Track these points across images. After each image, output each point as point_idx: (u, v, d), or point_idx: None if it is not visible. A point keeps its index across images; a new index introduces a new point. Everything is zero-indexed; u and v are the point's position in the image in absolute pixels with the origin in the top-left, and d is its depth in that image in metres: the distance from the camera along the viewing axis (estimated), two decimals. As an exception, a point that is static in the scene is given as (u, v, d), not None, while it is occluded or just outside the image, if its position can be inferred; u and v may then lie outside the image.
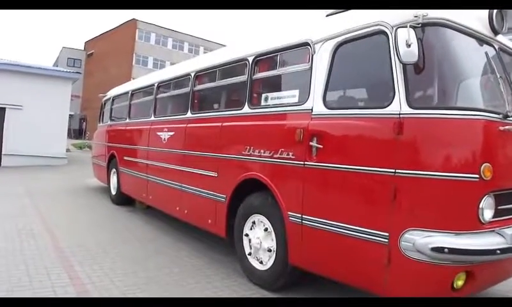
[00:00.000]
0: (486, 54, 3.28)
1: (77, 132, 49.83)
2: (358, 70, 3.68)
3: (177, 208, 5.80)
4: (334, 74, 3.52)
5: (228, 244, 4.92)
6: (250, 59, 4.54)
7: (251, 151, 4.21)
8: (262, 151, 4.06)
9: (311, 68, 3.70)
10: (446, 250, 2.73)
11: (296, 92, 3.96)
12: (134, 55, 52.04)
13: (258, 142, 4.15)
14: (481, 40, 3.29)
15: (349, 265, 3.25)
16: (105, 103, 10.30)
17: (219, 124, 4.92)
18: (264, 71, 4.46)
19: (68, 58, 56.68)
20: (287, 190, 3.77)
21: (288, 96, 4.06)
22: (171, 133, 6.06)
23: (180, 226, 6.67)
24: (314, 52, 3.69)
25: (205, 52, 57.77)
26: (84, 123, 51.23)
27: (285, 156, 3.76)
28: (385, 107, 3.04)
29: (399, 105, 2.94)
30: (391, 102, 3.00)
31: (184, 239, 6.06)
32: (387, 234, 2.94)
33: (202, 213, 5.17)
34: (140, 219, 7.38)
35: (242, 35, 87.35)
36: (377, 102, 3.28)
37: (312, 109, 3.61)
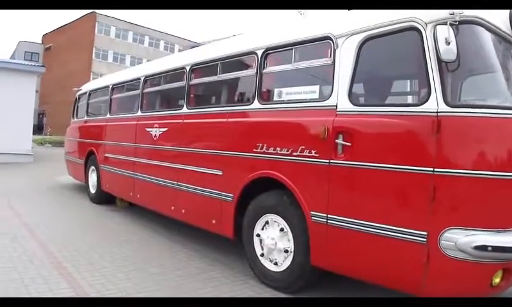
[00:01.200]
0: (511, 53, 3.26)
1: (36, 128, 47.74)
2: (386, 66, 3.59)
3: (172, 208, 5.52)
4: (359, 70, 3.39)
5: (235, 244, 4.75)
6: (259, 53, 4.31)
7: (264, 149, 4.00)
8: (278, 148, 3.85)
9: (333, 63, 3.53)
10: (489, 248, 2.71)
11: (316, 88, 3.81)
12: (93, 49, 50.35)
13: (272, 139, 3.95)
14: (506, 40, 3.25)
15: (382, 265, 3.14)
16: (79, 98, 9.76)
17: (224, 120, 4.67)
18: (276, 65, 4.25)
19: (25, 52, 53.99)
20: (308, 189, 3.60)
21: (307, 91, 3.87)
22: (164, 129, 5.76)
23: (169, 224, 6.38)
24: (337, 47, 3.52)
25: (165, 46, 56.79)
26: (44, 119, 49.15)
27: (307, 154, 3.59)
28: (421, 105, 2.95)
29: (435, 103, 2.87)
30: (427, 100, 2.92)
31: (179, 239, 5.77)
32: (425, 233, 2.86)
33: (204, 213, 4.92)
34: (126, 219, 7.00)
35: (211, 32, 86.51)
36: (410, 99, 3.25)
37: (336, 106, 3.45)
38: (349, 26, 3.49)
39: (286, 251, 3.83)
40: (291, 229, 3.78)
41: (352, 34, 3.42)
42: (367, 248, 3.19)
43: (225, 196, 4.51)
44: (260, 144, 4.03)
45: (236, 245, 4.80)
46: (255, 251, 4.17)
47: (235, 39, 5.13)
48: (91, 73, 48.58)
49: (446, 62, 2.83)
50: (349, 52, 3.42)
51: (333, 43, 3.55)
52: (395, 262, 3.05)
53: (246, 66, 4.52)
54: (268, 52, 4.26)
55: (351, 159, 3.27)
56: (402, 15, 3.12)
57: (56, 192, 9.66)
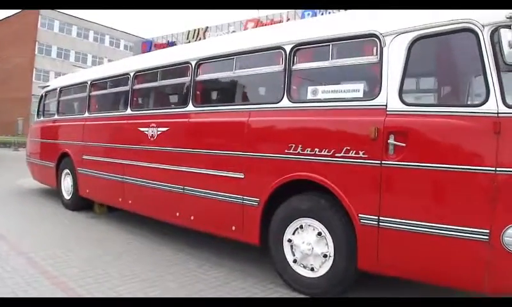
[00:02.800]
0: None
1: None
2: (438, 66, 3.53)
3: (177, 214, 5.05)
4: (410, 69, 3.29)
5: (245, 250, 4.60)
6: (287, 48, 4.00)
7: (299, 150, 3.76)
8: (316, 149, 3.63)
9: (380, 61, 3.38)
10: None
11: (359, 86, 3.66)
12: (36, 43, 47.63)
13: (308, 140, 3.71)
14: None
15: (442, 265, 3.08)
16: (46, 95, 8.91)
17: (245, 119, 4.30)
18: (308, 61, 3.98)
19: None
20: (356, 191, 3.44)
21: (349, 90, 3.68)
22: (163, 129, 5.26)
23: (160, 230, 5.96)
24: (384, 45, 3.37)
25: (111, 42, 54.80)
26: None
27: (353, 155, 3.41)
28: (480, 106, 2.94)
29: (495, 104, 2.87)
30: (485, 101, 2.91)
31: (180, 247, 5.31)
32: (487, 231, 2.85)
33: (220, 220, 4.54)
34: (112, 226, 6.40)
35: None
36: (467, 100, 3.23)
37: (386, 105, 3.30)
38: (397, 24, 3.36)
39: (325, 256, 3.64)
40: (330, 233, 3.61)
41: (402, 33, 3.31)
42: (425, 249, 3.12)
43: (249, 200, 4.18)
44: (293, 145, 3.79)
45: (246, 250, 4.69)
46: (285, 257, 3.91)
47: (255, 32, 4.73)
48: (34, 69, 46.03)
49: (510, 64, 2.82)
50: (399, 51, 3.30)
51: (380, 41, 3.40)
52: (456, 261, 3.01)
53: (270, 62, 4.19)
54: (298, 47, 3.98)
55: (406, 160, 3.16)
56: (457, 16, 3.06)
57: (21, 198, 8.74)
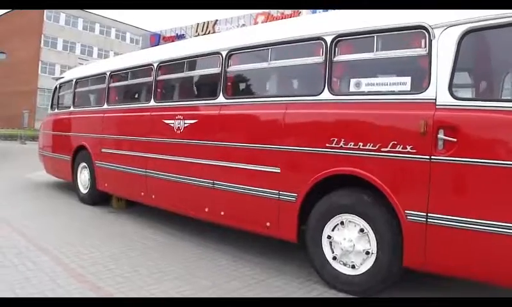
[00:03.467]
0: None
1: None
2: (490, 60, 3.44)
3: (206, 210, 4.88)
4: (460, 63, 3.19)
5: (273, 246, 4.51)
6: (328, 39, 3.85)
7: (341, 144, 3.63)
8: (360, 144, 3.51)
9: (429, 54, 3.27)
10: None
11: (407, 79, 3.50)
12: (42, 36, 47.49)
13: (352, 133, 3.59)
14: None
15: (493, 263, 3.00)
16: (60, 87, 8.73)
17: (281, 112, 4.14)
18: (350, 53, 3.86)
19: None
20: (403, 186, 3.34)
21: (395, 83, 3.55)
22: (191, 121, 5.07)
23: (185, 226, 5.79)
24: (433, 37, 3.25)
25: (117, 35, 54.59)
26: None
27: (400, 149, 3.31)
28: None
29: None
30: None
31: (206, 243, 5.15)
32: None
33: (253, 216, 4.39)
34: (132, 221, 6.24)
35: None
36: None
37: (435, 99, 3.20)
38: (447, 17, 3.25)
39: (367, 253, 3.54)
40: (373, 230, 3.51)
41: (452, 25, 3.20)
42: (475, 247, 3.04)
43: (285, 195, 4.04)
44: (336, 139, 3.66)
45: (275, 246, 4.65)
46: (324, 254, 3.80)
47: (293, 22, 4.54)
48: (40, 62, 45.94)
49: None
50: (449, 44, 3.19)
51: (429, 33, 3.28)
52: (509, 260, 2.93)
53: (309, 53, 4.04)
54: (340, 39, 3.84)
55: (457, 155, 3.08)
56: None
57: (35, 192, 8.57)
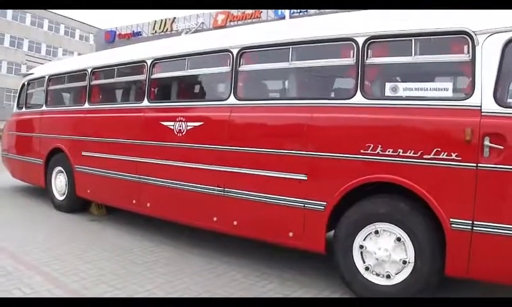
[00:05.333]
0: None
1: None
2: None
3: (214, 219, 4.47)
4: (505, 70, 3.10)
5: (283, 255, 4.22)
6: (360, 40, 3.60)
7: (378, 151, 3.42)
8: (400, 150, 3.33)
9: (473, 60, 3.15)
10: None
11: (449, 85, 3.43)
12: (-12, 32, 44.52)
13: (391, 140, 3.40)
14: None
15: None
16: (29, 84, 7.90)
17: (307, 115, 3.84)
18: (385, 56, 3.64)
19: None
20: (447, 194, 3.21)
21: (436, 88, 3.44)
22: (196, 123, 4.63)
23: (182, 236, 5.33)
24: (477, 43, 3.13)
25: (66, 31, 52.18)
26: None
27: (444, 157, 3.18)
28: None
29: None
30: None
31: (215, 255, 4.72)
32: None
33: (274, 225, 4.05)
34: (124, 232, 5.62)
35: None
36: None
37: (480, 106, 3.10)
38: (491, 23, 3.15)
39: (404, 262, 3.37)
40: (411, 238, 3.35)
41: (497, 32, 3.10)
42: None
43: (313, 204, 3.76)
44: (371, 145, 3.45)
45: (286, 256, 4.44)
46: (354, 264, 3.58)
47: (318, 21, 4.18)
48: (-14, 59, 42.93)
49: None
50: (494, 51, 3.09)
51: (473, 39, 3.16)
52: None
53: (338, 55, 3.81)
54: (373, 40, 3.60)
55: (504, 162, 3.00)
56: None
57: (3, 198, 7.73)
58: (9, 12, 46.28)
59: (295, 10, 22.38)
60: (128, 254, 4.66)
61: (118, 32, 32.85)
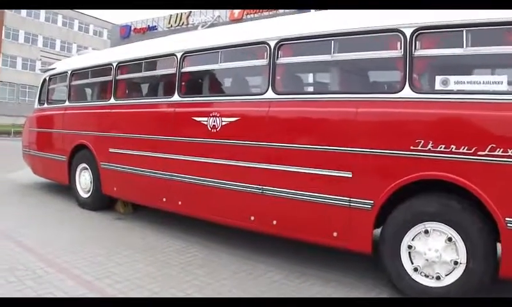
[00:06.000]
0: None
1: None
2: None
3: (251, 218, 4.34)
4: None
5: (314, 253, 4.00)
6: (407, 31, 3.48)
7: (429, 147, 3.30)
8: (453, 147, 3.21)
9: None
10: None
11: (503, 78, 3.26)
12: (3, 28, 44.99)
13: (443, 135, 3.29)
14: None
15: None
16: (50, 79, 7.84)
17: (352, 110, 3.72)
18: (434, 48, 3.51)
19: None
20: (503, 193, 3.09)
21: (489, 82, 3.29)
22: (231, 119, 4.49)
23: (212, 234, 5.21)
24: None
25: (80, 27, 52.51)
26: None
27: (500, 153, 3.06)
28: None
29: None
30: None
31: (249, 255, 4.60)
32: None
33: (316, 225, 3.94)
34: (152, 231, 5.51)
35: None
36: None
37: None
38: None
39: (455, 263, 3.28)
40: (463, 238, 3.26)
41: None
42: None
43: (358, 202, 3.66)
44: (422, 141, 3.33)
45: (323, 256, 4.34)
46: (402, 265, 3.50)
47: (364, 12, 3.99)
48: (1, 55, 43.51)
49: None
50: None
51: None
52: None
53: (384, 47, 3.70)
54: (421, 32, 3.47)
55: None
56: None
57: (24, 197, 7.63)
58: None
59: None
60: (161, 255, 4.53)
61: (133, 27, 32.90)
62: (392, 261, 3.52)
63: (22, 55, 46.90)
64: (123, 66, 6.06)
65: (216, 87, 5.19)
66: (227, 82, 5.22)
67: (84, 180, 6.67)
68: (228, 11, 27.52)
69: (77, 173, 6.80)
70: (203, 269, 4.14)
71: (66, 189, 7.30)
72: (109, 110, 6.11)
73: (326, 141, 3.82)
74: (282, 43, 4.20)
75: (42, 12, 49.06)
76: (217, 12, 27.82)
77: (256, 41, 4.43)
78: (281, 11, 25.62)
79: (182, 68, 5.07)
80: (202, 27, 25.28)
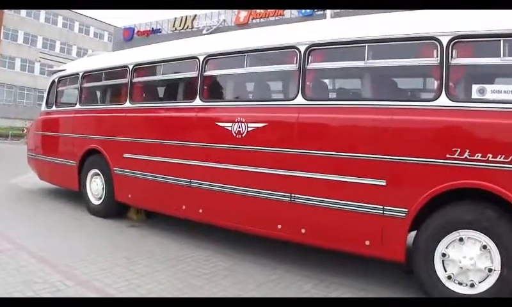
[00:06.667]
0: None
1: None
2: None
3: (279, 227, 4.28)
4: None
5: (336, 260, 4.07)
6: (444, 40, 3.50)
7: (466, 155, 3.34)
8: (490, 155, 3.26)
9: None
10: None
11: None
12: (1, 28, 44.95)
13: (480, 144, 3.34)
14: None
15: None
16: (59, 82, 7.74)
17: (387, 117, 3.73)
18: (472, 56, 3.60)
19: None
20: None
21: None
22: (258, 124, 4.43)
23: (234, 242, 5.13)
24: None
25: (80, 28, 52.57)
26: None
27: None
28: None
29: None
30: None
31: (276, 264, 4.50)
32: None
33: (348, 233, 3.94)
34: (170, 240, 5.38)
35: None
36: None
37: None
38: None
39: (490, 270, 3.31)
40: (498, 246, 3.30)
41: None
42: None
43: (392, 211, 3.66)
44: (459, 150, 3.37)
45: (347, 263, 4.36)
46: (436, 273, 3.52)
47: (399, 18, 3.97)
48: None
49: None
50: None
51: None
52: None
53: (419, 54, 3.74)
54: (458, 40, 3.50)
55: None
56: None
57: (32, 203, 7.52)
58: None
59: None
60: (183, 265, 4.44)
61: (136, 30, 32.89)
62: (425, 269, 3.53)
63: (21, 57, 46.92)
64: (140, 68, 5.98)
65: (241, 92, 5.12)
66: (253, 87, 5.15)
67: (95, 186, 6.56)
68: (234, 16, 27.52)
69: (88, 178, 6.70)
70: (229, 279, 4.06)
71: (73, 195, 7.22)
72: (124, 114, 6.02)
73: (358, 149, 3.82)
74: (313, 48, 4.17)
75: (42, 13, 49.12)
76: (222, 16, 27.82)
77: (286, 46, 4.41)
78: (287, 16, 25.67)
79: (204, 71, 5.00)
80: (207, 31, 25.33)
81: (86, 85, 7.00)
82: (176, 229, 5.76)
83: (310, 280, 4.06)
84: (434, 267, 3.51)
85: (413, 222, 3.58)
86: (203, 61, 5.00)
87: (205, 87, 5.04)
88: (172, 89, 5.72)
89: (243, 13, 26.81)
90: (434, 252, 3.50)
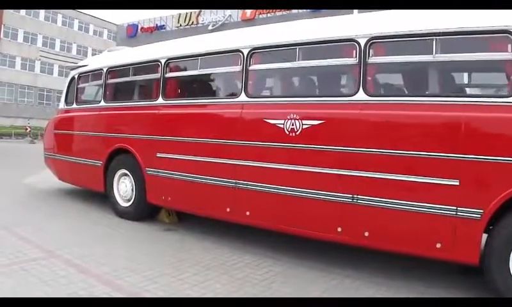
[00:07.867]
0: None
1: None
2: None
3: (339, 230, 4.07)
4: None
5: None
6: None
7: None
8: None
9: None
10: None
11: None
12: (2, 27, 44.81)
13: None
14: None
15: None
16: (80, 78, 7.47)
17: (458, 114, 3.59)
18: None
19: None
20: None
21: None
22: (314, 122, 4.22)
23: (280, 245, 4.96)
24: None
25: (80, 26, 52.34)
26: None
27: None
28: None
29: None
30: None
31: (336, 270, 4.33)
32: None
33: (419, 236, 3.75)
34: (215, 244, 5.16)
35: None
36: None
37: None
38: None
39: None
40: None
41: None
42: None
43: (466, 212, 3.52)
44: None
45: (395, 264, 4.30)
46: (511, 276, 3.39)
47: (468, 11, 3.72)
48: (-1, 55, 43.28)
49: None
50: None
51: None
52: None
53: (489, 48, 3.57)
54: None
55: None
56: None
57: (53, 203, 7.32)
58: (24, 6, 46.46)
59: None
60: (235, 271, 4.23)
61: (140, 26, 32.64)
62: (500, 271, 3.41)
63: (21, 55, 46.77)
64: (173, 63, 5.75)
65: (292, 88, 4.91)
66: (305, 82, 4.93)
67: (124, 188, 6.32)
68: (240, 11, 27.27)
69: (115, 179, 6.46)
70: (289, 286, 3.86)
71: (98, 196, 7.00)
72: (157, 111, 5.78)
73: (428, 147, 3.65)
74: (374, 41, 3.98)
75: (42, 11, 48.88)
76: (228, 11, 27.57)
77: (343, 38, 4.21)
78: (294, 11, 25.44)
79: (249, 65, 4.77)
80: (213, 26, 25.08)
81: (111, 81, 6.76)
82: (213, 232, 5.55)
83: (370, 285, 3.93)
84: (509, 270, 3.41)
85: (488, 223, 3.44)
86: (247, 55, 4.77)
87: (251, 82, 4.81)
88: (210, 85, 5.52)
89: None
90: (510, 254, 3.40)
